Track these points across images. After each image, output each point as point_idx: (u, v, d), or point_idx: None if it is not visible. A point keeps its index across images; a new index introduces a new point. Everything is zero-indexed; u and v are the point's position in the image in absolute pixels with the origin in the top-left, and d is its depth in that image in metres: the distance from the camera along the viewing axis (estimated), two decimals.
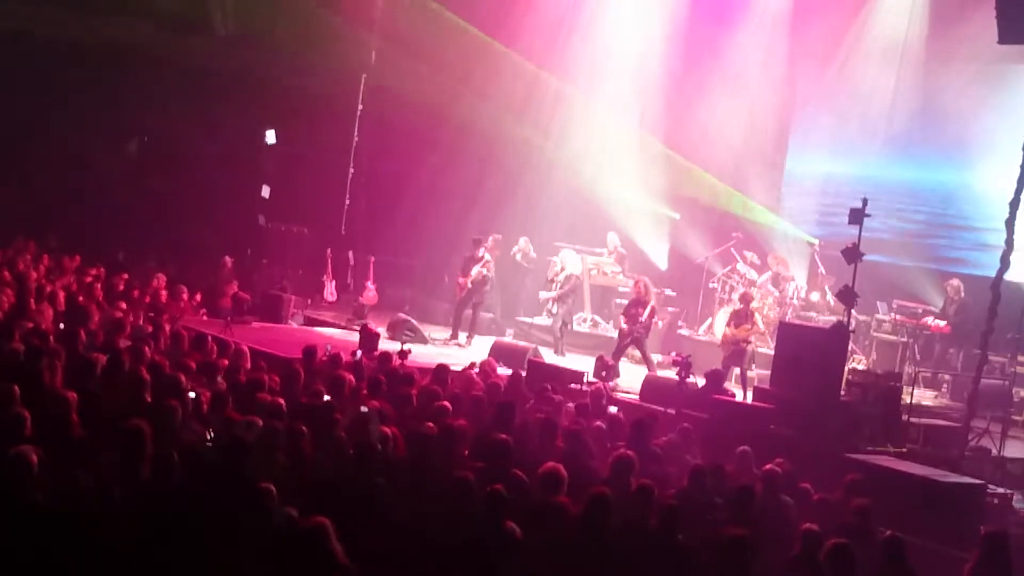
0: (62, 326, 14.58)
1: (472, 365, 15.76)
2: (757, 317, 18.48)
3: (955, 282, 20.23)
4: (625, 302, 21.22)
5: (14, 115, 24.11)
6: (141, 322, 16.19)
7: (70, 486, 7.56)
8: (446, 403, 12.10)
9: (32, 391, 10.06)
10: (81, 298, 17.23)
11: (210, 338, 14.76)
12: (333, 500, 8.63)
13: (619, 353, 18.53)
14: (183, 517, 7.81)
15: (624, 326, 18.75)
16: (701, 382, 15.95)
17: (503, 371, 16.54)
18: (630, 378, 17.83)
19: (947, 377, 19.62)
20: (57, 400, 9.71)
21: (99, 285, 18.97)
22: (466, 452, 10.64)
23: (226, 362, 13.17)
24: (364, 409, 11.21)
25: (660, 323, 19.37)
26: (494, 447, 10.04)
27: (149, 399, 10.58)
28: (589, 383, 15.99)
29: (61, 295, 16.84)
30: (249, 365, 13.61)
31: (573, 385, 15.86)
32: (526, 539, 7.97)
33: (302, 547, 7.16)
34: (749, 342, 18.08)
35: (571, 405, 13.64)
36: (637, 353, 18.95)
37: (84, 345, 12.96)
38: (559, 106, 24.20)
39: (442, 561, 7.75)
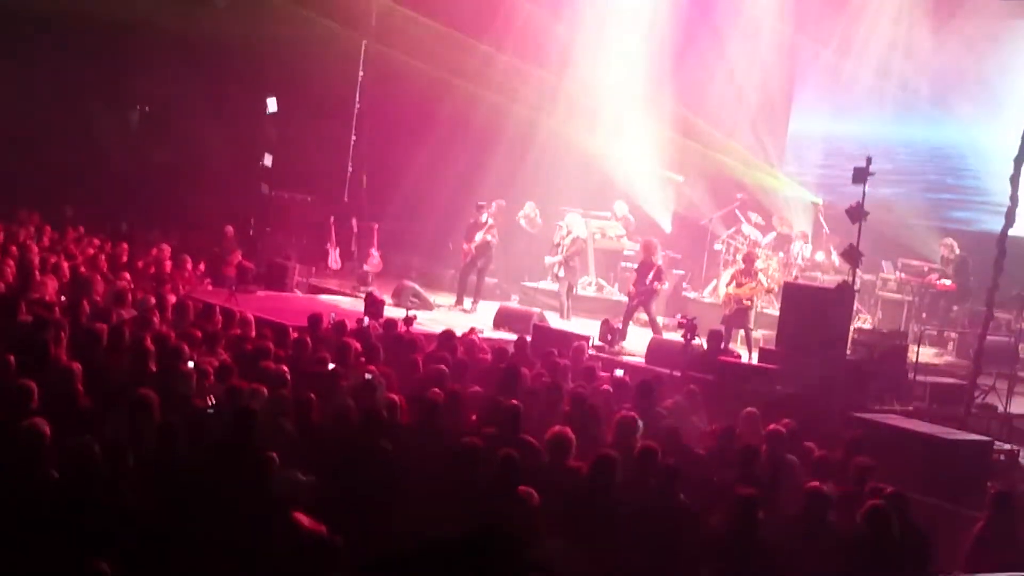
0: (64, 298, 14.59)
1: (472, 330, 15.76)
2: (760, 276, 18.45)
3: (948, 240, 20.18)
4: (629, 265, 21.25)
5: (15, 87, 24.06)
6: (146, 293, 16.19)
7: (81, 456, 7.59)
8: (452, 368, 12.12)
9: (38, 362, 10.09)
10: (83, 269, 17.25)
11: (217, 308, 14.78)
12: (341, 467, 8.67)
13: (628, 316, 18.54)
14: (189, 485, 7.85)
15: (632, 288, 18.76)
16: (707, 344, 15.96)
17: (506, 336, 16.61)
18: (636, 341, 17.84)
19: (953, 335, 19.62)
20: (62, 371, 9.74)
21: (103, 256, 18.98)
22: (474, 417, 10.66)
23: (232, 331, 13.19)
24: (368, 376, 11.22)
25: (666, 285, 19.35)
26: (504, 412, 10.05)
27: (154, 369, 10.61)
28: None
29: (65, 266, 16.85)
30: (254, 334, 13.62)
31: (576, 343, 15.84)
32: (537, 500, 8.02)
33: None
34: (751, 301, 18.06)
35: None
36: (644, 316, 18.93)
37: (88, 316, 12.98)
38: (565, 69, 24.07)
39: (451, 527, 7.76)
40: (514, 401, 10.33)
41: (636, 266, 19.52)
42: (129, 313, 13.69)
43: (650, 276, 18.47)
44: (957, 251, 19.91)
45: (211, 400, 9.99)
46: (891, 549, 8.10)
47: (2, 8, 23.23)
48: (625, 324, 18.18)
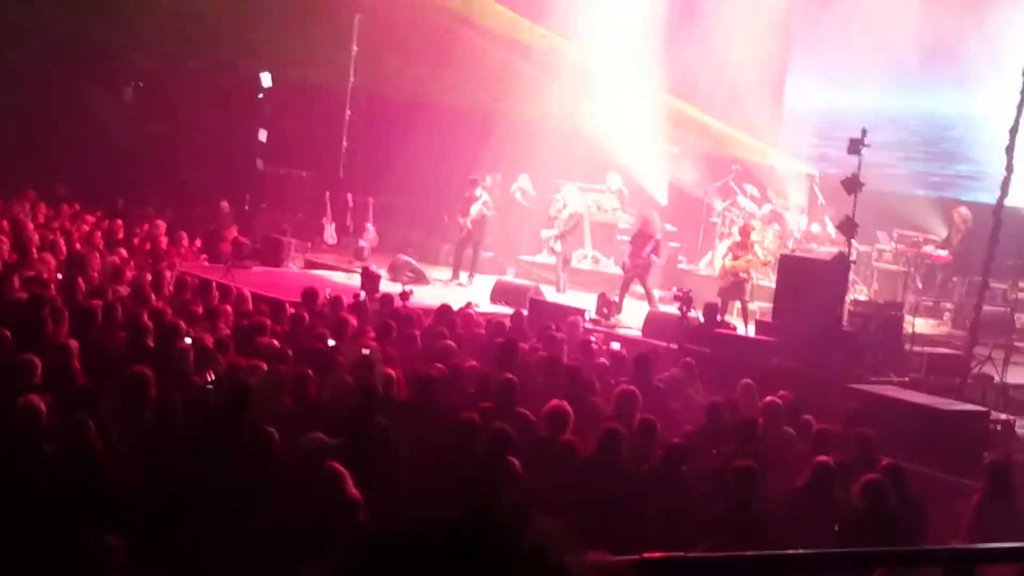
0: (61, 276, 14.56)
1: (469, 304, 15.77)
2: (756, 249, 18.43)
3: (963, 210, 20.04)
4: (624, 238, 21.21)
5: (9, 62, 23.98)
6: (142, 269, 16.18)
7: (77, 433, 7.60)
8: (450, 343, 12.13)
9: (34, 339, 10.09)
10: (78, 246, 17.23)
11: (214, 284, 14.77)
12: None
13: (624, 289, 18.51)
14: (187, 460, 7.86)
15: (627, 261, 18.72)
16: (703, 317, 15.96)
17: (502, 309, 16.59)
18: (633, 314, 17.84)
19: (949, 305, 19.61)
20: (58, 348, 9.74)
21: (99, 233, 18.95)
22: (472, 391, 10.66)
23: (229, 307, 13.18)
24: (365, 352, 11.22)
25: (660, 257, 19.33)
26: (499, 386, 10.07)
27: (151, 345, 10.61)
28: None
29: (61, 243, 16.83)
30: (251, 309, 13.62)
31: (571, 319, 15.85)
32: (535, 476, 8.03)
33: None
34: (748, 273, 18.05)
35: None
36: (640, 289, 18.90)
37: (84, 293, 12.96)
38: (560, 41, 23.96)
39: (447, 498, 7.78)
40: (509, 375, 10.34)
41: (630, 238, 19.47)
42: (125, 290, 13.68)
43: (648, 248, 18.44)
44: (970, 223, 19.74)
45: (210, 376, 10.00)
46: (888, 522, 8.12)
47: None
48: (621, 297, 18.17)
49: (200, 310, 12.56)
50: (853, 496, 8.31)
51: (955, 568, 3.46)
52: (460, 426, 8.83)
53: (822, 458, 8.91)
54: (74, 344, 9.78)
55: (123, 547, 6.11)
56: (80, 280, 13.45)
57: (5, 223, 17.97)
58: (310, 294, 14.27)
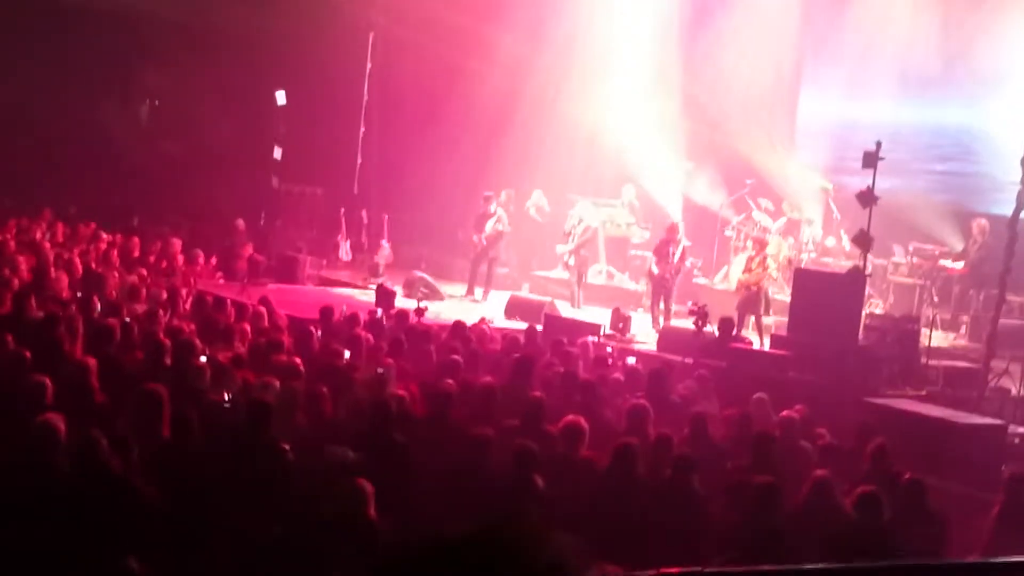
0: (80, 294, 14.63)
1: (483, 320, 15.78)
2: (769, 261, 18.35)
3: (982, 222, 19.86)
4: (638, 253, 21.19)
5: (24, 81, 24.11)
6: (158, 287, 16.23)
7: (94, 452, 7.62)
8: (464, 359, 12.14)
9: (51, 358, 10.12)
10: (93, 264, 17.30)
11: (229, 301, 14.80)
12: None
13: (656, 298, 18.48)
14: (204, 478, 7.87)
15: (655, 270, 18.65)
16: (719, 331, 15.94)
17: (517, 325, 16.59)
18: (647, 329, 17.85)
19: (965, 318, 19.50)
20: (76, 366, 9.77)
21: (115, 251, 19.02)
22: (487, 407, 10.65)
23: (246, 325, 13.22)
24: (380, 370, 11.22)
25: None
26: (527, 405, 10.05)
27: (168, 363, 10.65)
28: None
29: (77, 262, 16.90)
30: (267, 327, 13.64)
31: (591, 338, 15.86)
32: (551, 491, 8.03)
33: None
34: (761, 286, 17.99)
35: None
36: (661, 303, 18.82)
37: (101, 312, 13.02)
38: (572, 56, 23.98)
39: (463, 514, 7.77)
40: (537, 394, 10.34)
41: (652, 251, 19.45)
42: (142, 308, 13.74)
43: (677, 254, 18.44)
44: (987, 235, 19.56)
45: (227, 395, 10.02)
46: (880, 534, 8.05)
47: (8, 3, 23.26)
48: (654, 309, 18.32)
49: (217, 328, 12.59)
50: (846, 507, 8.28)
51: None
52: (475, 442, 8.82)
53: (820, 472, 8.88)
54: (92, 362, 9.81)
55: (145, 570, 6.10)
56: (97, 299, 13.51)
57: (25, 242, 18.06)
58: (327, 312, 14.31)
